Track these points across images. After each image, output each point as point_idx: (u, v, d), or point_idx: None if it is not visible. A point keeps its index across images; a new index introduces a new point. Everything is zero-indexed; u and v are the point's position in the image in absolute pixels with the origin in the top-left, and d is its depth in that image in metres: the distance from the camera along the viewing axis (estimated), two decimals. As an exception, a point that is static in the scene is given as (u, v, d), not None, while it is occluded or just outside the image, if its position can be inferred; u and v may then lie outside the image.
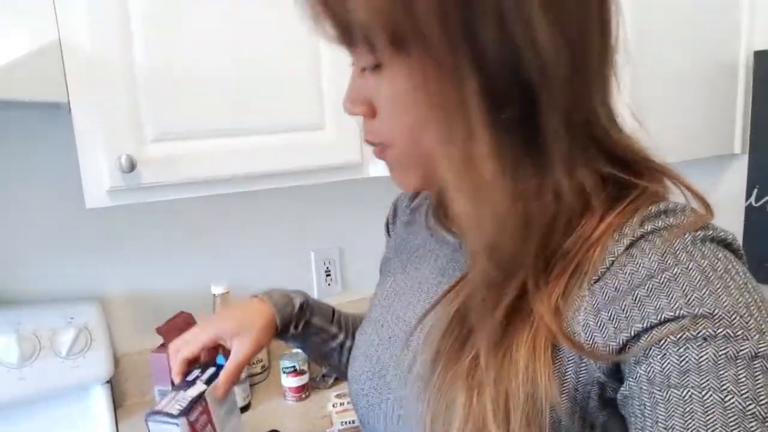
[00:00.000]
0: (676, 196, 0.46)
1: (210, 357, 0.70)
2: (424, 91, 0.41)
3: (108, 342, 1.21)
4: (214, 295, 1.21)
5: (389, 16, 0.39)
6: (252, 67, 1.02)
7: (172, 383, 0.68)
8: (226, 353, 0.69)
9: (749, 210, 1.25)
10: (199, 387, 0.65)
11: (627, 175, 0.45)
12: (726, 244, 0.41)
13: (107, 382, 1.21)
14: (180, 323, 1.27)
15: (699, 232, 0.41)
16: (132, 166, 0.93)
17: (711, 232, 0.41)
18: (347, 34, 0.43)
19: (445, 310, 0.49)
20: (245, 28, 1.00)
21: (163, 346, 1.21)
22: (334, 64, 1.08)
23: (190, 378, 0.67)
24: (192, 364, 0.68)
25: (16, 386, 1.11)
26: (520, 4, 0.38)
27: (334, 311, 0.79)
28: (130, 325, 1.33)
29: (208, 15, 0.97)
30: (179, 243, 1.35)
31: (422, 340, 0.51)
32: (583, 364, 0.41)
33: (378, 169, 1.17)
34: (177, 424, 0.60)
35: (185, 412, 0.61)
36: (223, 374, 0.67)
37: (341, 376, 0.74)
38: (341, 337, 0.77)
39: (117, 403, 1.27)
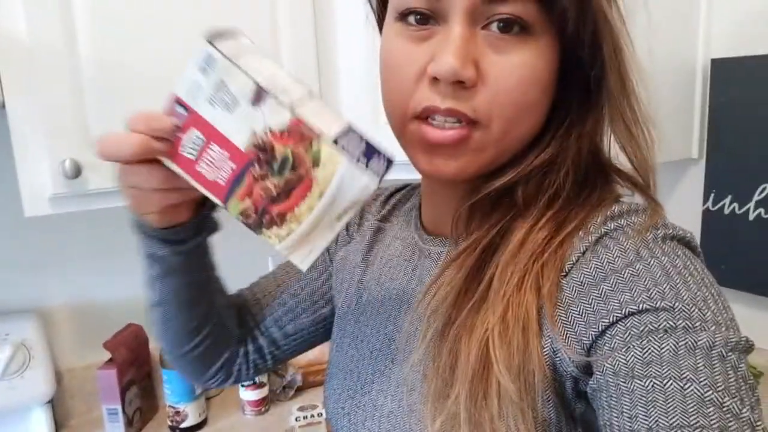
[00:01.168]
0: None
1: None
2: (548, 72, 0.44)
3: (49, 359, 1.12)
4: None
5: None
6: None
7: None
8: None
9: (706, 213, 1.27)
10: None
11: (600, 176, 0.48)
12: (685, 242, 0.43)
13: (48, 401, 1.12)
14: (129, 337, 1.19)
15: (660, 231, 0.43)
16: (77, 171, 0.85)
17: (671, 230, 0.43)
18: None
19: (449, 284, 0.47)
20: (194, 24, 0.93)
21: (111, 362, 1.13)
22: (295, 53, 1.02)
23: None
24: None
25: (-55, 411, 1.01)
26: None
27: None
28: (74, 338, 1.24)
29: (156, 9, 0.90)
30: (125, 251, 1.25)
31: (425, 321, 0.47)
32: (558, 358, 0.41)
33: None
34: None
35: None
36: None
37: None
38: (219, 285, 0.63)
39: (60, 423, 1.19)
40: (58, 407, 1.18)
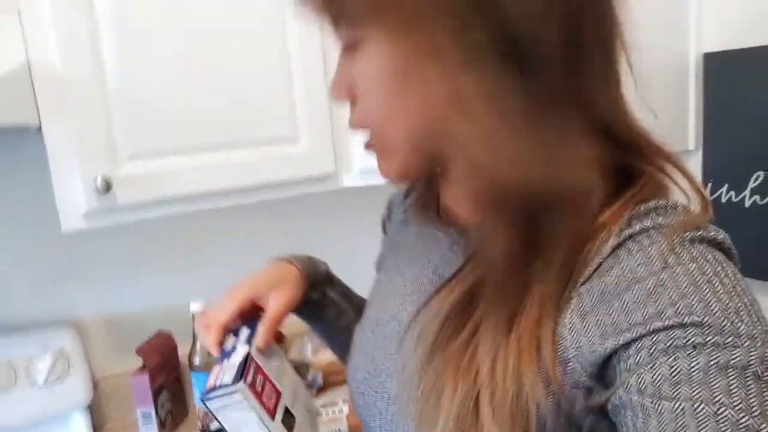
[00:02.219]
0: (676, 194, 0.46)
1: (246, 319, 0.65)
2: (403, 66, 0.43)
3: (86, 367, 1.18)
4: (192, 314, 1.20)
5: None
6: (224, 82, 1.02)
7: (209, 355, 0.71)
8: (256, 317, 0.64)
9: (706, 203, 1.32)
10: (242, 350, 0.59)
11: (634, 162, 0.44)
12: (716, 244, 0.41)
13: (87, 407, 1.19)
14: (159, 343, 1.26)
15: (688, 233, 0.40)
16: (108, 187, 0.92)
17: (701, 231, 0.40)
18: (329, 4, 0.45)
19: (440, 306, 0.49)
20: (216, 44, 1.01)
21: (143, 368, 1.20)
22: (306, 77, 1.09)
23: (227, 347, 0.61)
24: (228, 330, 0.63)
25: (-8, 418, 1.08)
26: None
27: (346, 288, 0.78)
28: (108, 347, 1.30)
29: (178, 31, 0.97)
30: (154, 261, 1.33)
31: (415, 338, 0.51)
32: (569, 367, 0.40)
33: (352, 179, 1.19)
34: (237, 391, 0.54)
35: (239, 376, 0.55)
36: (261, 325, 0.62)
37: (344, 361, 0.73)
38: (350, 314, 0.74)
39: (97, 427, 1.25)
40: (95, 413, 1.25)
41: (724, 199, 1.28)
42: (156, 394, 1.20)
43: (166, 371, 1.27)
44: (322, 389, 1.34)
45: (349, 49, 0.47)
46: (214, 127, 1.02)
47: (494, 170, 0.41)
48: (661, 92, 1.32)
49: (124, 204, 0.96)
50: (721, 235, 0.41)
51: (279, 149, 1.10)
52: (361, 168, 1.17)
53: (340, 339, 0.74)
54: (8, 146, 1.16)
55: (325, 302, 0.73)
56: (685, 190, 0.45)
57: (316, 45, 1.09)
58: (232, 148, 1.05)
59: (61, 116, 0.90)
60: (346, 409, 1.22)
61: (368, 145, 0.51)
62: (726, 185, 1.28)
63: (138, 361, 1.20)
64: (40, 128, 0.90)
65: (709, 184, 1.31)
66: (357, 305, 0.75)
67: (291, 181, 1.12)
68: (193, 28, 0.99)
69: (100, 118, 0.93)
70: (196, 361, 1.20)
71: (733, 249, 0.42)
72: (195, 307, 1.20)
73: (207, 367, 1.19)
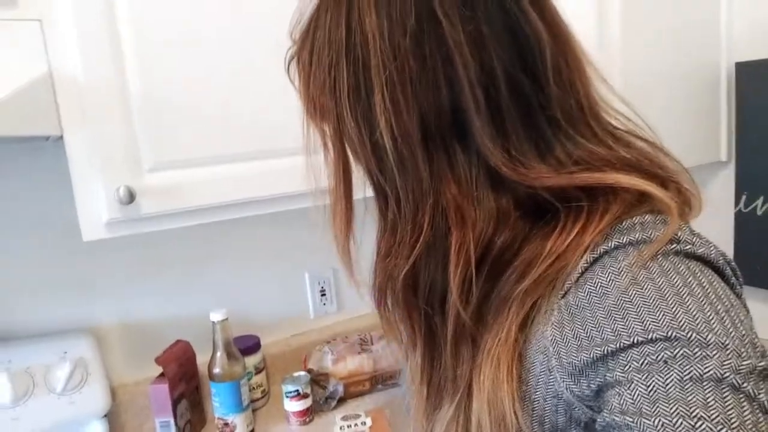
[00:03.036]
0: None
1: None
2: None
3: (104, 375, 1.17)
4: (213, 322, 1.19)
5: (310, 97, 0.52)
6: (245, 94, 1.00)
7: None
8: None
9: (739, 216, 1.28)
10: None
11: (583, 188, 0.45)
12: (695, 257, 0.41)
13: (104, 416, 1.18)
14: (178, 352, 1.25)
15: (661, 246, 0.40)
16: (131, 197, 0.91)
17: (675, 245, 0.41)
18: None
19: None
20: (241, 54, 0.99)
21: (162, 377, 1.19)
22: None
23: None
24: None
25: (10, 427, 1.07)
26: (366, 90, 0.46)
27: None
28: (126, 355, 1.30)
29: (201, 42, 0.96)
30: (173, 271, 1.32)
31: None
32: (552, 377, 0.41)
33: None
34: None
35: None
36: None
37: None
38: None
39: (114, 437, 1.24)
40: (112, 421, 1.24)
41: (759, 212, 1.24)
42: (175, 404, 1.19)
43: (186, 380, 1.26)
44: (342, 400, 1.32)
45: None
46: (235, 138, 1.00)
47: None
48: (692, 102, 1.29)
49: (146, 214, 0.94)
50: (702, 249, 0.41)
51: (297, 161, 1.08)
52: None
53: None
54: (30, 154, 1.16)
55: None
56: (663, 198, 0.44)
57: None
58: (253, 159, 1.03)
59: (83, 126, 0.89)
60: (369, 421, 1.20)
61: None
62: (762, 197, 1.24)
63: (157, 370, 1.19)
64: (61, 137, 0.89)
65: (743, 197, 1.27)
66: None
67: (309, 192, 1.10)
68: (215, 39, 0.97)
69: (122, 129, 0.92)
70: (216, 370, 1.19)
71: (718, 261, 0.42)
72: (216, 316, 1.19)
73: (227, 377, 1.18)
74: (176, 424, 1.18)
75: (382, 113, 0.45)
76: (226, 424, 1.20)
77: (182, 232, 1.25)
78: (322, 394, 1.30)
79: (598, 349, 0.38)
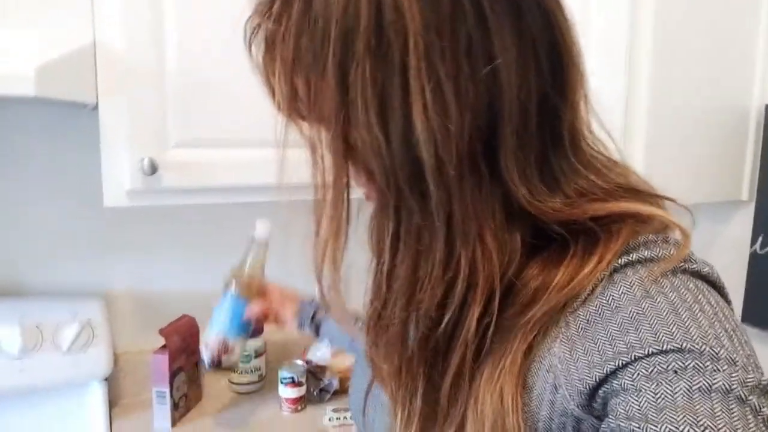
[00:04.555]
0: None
1: None
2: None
3: (109, 339, 1.21)
4: (254, 237, 1.05)
5: (297, 98, 0.44)
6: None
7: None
8: None
9: (753, 257, 1.27)
10: None
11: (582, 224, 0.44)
12: (700, 276, 0.42)
13: (105, 379, 1.21)
14: (182, 327, 1.27)
15: (670, 264, 0.41)
16: (154, 169, 0.94)
17: (683, 264, 0.41)
18: None
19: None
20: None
21: (164, 348, 1.22)
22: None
23: None
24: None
25: (15, 377, 1.11)
26: (401, 91, 0.38)
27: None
28: (132, 323, 1.33)
29: (241, 27, 0.99)
30: (187, 246, 1.35)
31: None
32: (559, 395, 0.41)
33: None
34: None
35: None
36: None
37: None
38: None
39: (112, 402, 1.27)
40: (112, 386, 1.27)
41: (774, 255, 1.23)
42: (173, 376, 1.22)
43: (187, 355, 1.28)
44: (336, 393, 1.34)
45: None
46: (262, 124, 1.02)
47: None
48: (718, 140, 1.29)
49: (167, 187, 0.98)
50: (707, 268, 0.42)
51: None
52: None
53: None
54: (61, 120, 1.20)
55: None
56: (672, 220, 0.44)
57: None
58: (259, 146, 1.05)
59: (117, 97, 0.93)
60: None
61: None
62: (777, 241, 1.23)
63: (160, 341, 1.22)
64: (96, 107, 0.92)
65: (760, 238, 1.26)
66: None
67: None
68: (225, 26, 0.99)
69: (154, 103, 0.95)
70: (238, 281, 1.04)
71: (720, 282, 0.42)
72: (261, 229, 1.04)
73: (245, 292, 1.05)
74: (172, 395, 1.21)
75: (424, 124, 0.38)
76: (226, 346, 1.04)
77: (203, 209, 1.28)
78: (317, 386, 1.31)
79: (611, 363, 0.38)
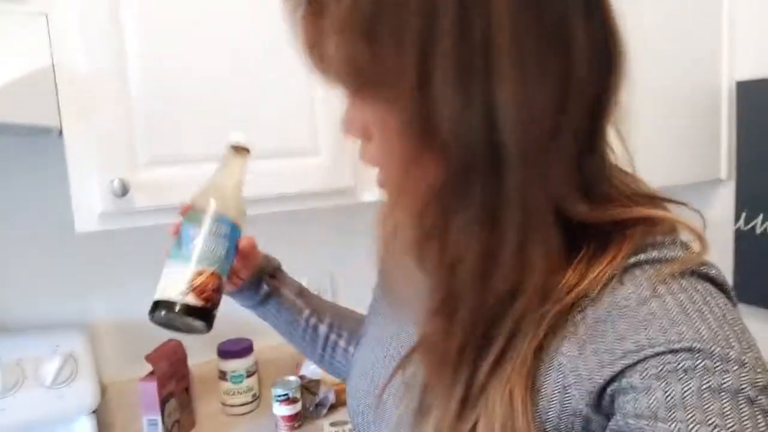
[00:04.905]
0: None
1: None
2: (405, 124, 0.40)
3: (94, 371, 1.17)
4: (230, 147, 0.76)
5: (358, 67, 0.40)
6: (247, 93, 1.02)
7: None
8: None
9: (738, 233, 1.27)
10: None
11: (607, 222, 0.43)
12: (708, 278, 0.42)
13: (93, 412, 1.18)
14: (168, 351, 1.25)
15: (678, 265, 0.41)
16: (125, 190, 0.92)
17: (691, 266, 0.42)
18: (323, 71, 0.44)
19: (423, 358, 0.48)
20: (241, 54, 1.01)
21: (152, 375, 1.19)
22: (327, 90, 1.08)
23: None
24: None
25: (-2, 417, 1.07)
26: (484, 70, 0.37)
27: (302, 287, 0.82)
28: (118, 352, 1.30)
29: (204, 41, 0.98)
30: (169, 269, 1.33)
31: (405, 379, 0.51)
32: (568, 395, 0.40)
33: (371, 194, 1.17)
34: None
35: None
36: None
37: (308, 357, 0.83)
38: (307, 312, 0.80)
39: (102, 434, 1.24)
40: (101, 418, 1.24)
41: (759, 230, 1.23)
42: (163, 402, 1.19)
43: (176, 380, 1.25)
44: (333, 407, 1.31)
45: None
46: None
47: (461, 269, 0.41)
48: (692, 120, 1.29)
49: (139, 208, 0.95)
50: (714, 271, 0.42)
51: (299, 161, 1.09)
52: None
53: (300, 335, 0.81)
54: (30, 148, 1.18)
55: (279, 300, 0.80)
56: (690, 224, 0.45)
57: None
58: (252, 158, 1.04)
59: (82, 119, 0.91)
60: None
61: (380, 185, 0.48)
62: (761, 215, 1.23)
63: (147, 368, 1.19)
64: (61, 132, 0.90)
65: (743, 215, 1.26)
66: (317, 302, 0.82)
67: (311, 193, 1.11)
68: (218, 37, 0.99)
69: (121, 122, 0.93)
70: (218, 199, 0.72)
71: (727, 285, 0.42)
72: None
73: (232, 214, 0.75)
74: (164, 422, 1.18)
75: (506, 104, 0.37)
76: (216, 277, 0.69)
77: (178, 231, 1.26)
78: (312, 401, 1.29)
79: (621, 362, 0.38)
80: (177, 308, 0.66)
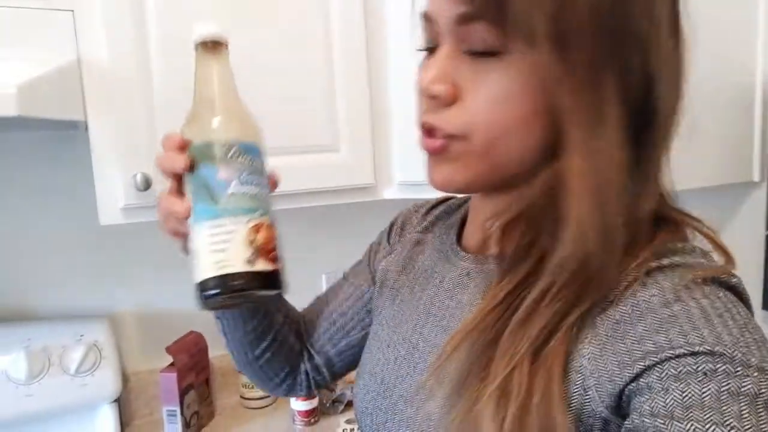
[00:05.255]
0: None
1: None
2: (551, 90, 0.41)
3: (117, 360, 1.20)
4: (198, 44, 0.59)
5: (556, 8, 0.39)
6: (268, 88, 1.02)
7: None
8: None
9: (770, 239, 1.23)
10: None
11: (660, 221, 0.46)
12: (728, 287, 0.42)
13: (115, 400, 1.20)
14: (189, 343, 1.26)
15: (701, 272, 0.41)
16: (147, 184, 0.93)
17: (713, 273, 0.42)
18: (497, 12, 0.41)
19: (470, 339, 0.46)
20: (262, 50, 1.01)
21: (172, 366, 1.21)
22: (349, 87, 1.08)
23: None
24: None
25: (23, 403, 1.10)
26: (661, 39, 0.43)
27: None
28: (140, 343, 1.32)
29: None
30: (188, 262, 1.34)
31: (435, 364, 0.48)
32: (588, 397, 0.40)
33: (391, 191, 1.17)
34: None
35: None
36: None
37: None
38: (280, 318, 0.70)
39: (124, 423, 1.26)
40: (123, 407, 1.26)
41: (789, 236, 1.19)
42: (183, 394, 1.21)
43: (196, 372, 1.27)
44: (350, 404, 1.32)
45: (481, 54, 0.43)
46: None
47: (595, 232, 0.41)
48: (724, 121, 1.25)
49: (161, 202, 0.96)
50: (734, 279, 0.42)
51: (320, 158, 1.09)
52: (401, 181, 1.15)
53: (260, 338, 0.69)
54: (53, 141, 1.20)
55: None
56: (713, 235, 0.46)
57: (360, 55, 1.09)
58: (273, 155, 1.04)
59: (106, 113, 0.93)
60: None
61: (440, 149, 0.46)
62: (793, 220, 1.18)
63: (168, 360, 1.21)
64: (87, 126, 0.92)
65: (774, 219, 1.22)
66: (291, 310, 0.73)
67: (330, 189, 1.11)
68: (240, 33, 0.99)
69: (144, 117, 0.94)
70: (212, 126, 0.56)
71: (746, 294, 0.43)
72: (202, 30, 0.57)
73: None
74: (183, 414, 1.20)
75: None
76: (273, 225, 0.54)
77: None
78: (330, 398, 1.29)
79: (640, 363, 0.38)
80: (246, 282, 0.49)
